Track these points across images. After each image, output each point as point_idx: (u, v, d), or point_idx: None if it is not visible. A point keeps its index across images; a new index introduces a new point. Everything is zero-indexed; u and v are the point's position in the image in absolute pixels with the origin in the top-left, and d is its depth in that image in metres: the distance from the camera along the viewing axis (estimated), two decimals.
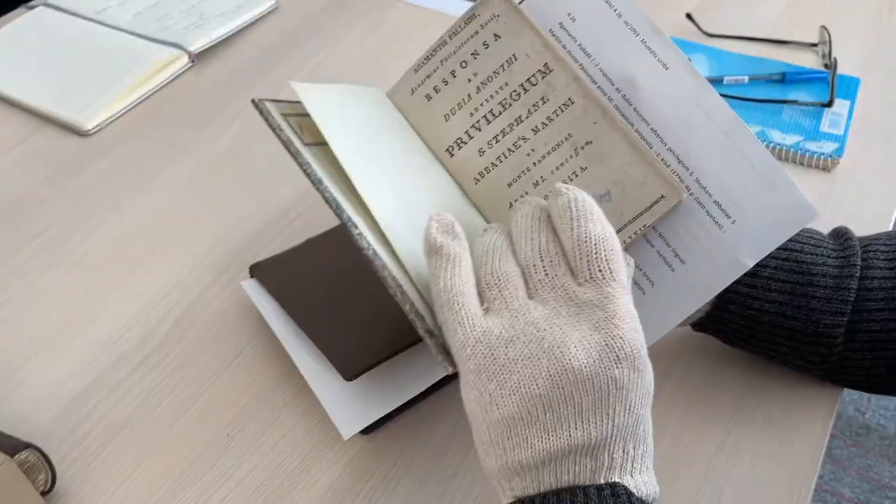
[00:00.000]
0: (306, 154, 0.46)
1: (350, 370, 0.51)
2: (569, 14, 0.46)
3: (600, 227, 0.39)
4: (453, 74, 0.50)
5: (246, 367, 0.58)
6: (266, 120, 0.47)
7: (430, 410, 0.54)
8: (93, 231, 0.70)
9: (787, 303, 0.50)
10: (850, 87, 0.79)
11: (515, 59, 0.48)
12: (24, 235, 0.69)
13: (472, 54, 0.49)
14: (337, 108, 0.47)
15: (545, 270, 0.39)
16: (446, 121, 0.50)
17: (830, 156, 0.72)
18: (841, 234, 0.53)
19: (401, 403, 0.52)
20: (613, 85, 0.47)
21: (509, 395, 0.36)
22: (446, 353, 0.41)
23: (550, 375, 0.36)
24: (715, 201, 0.47)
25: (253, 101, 0.47)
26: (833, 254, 0.51)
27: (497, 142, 0.49)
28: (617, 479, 0.36)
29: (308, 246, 0.62)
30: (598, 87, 0.47)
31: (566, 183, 0.44)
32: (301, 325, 0.55)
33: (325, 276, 0.58)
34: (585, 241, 0.38)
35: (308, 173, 0.46)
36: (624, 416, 0.36)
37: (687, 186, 0.48)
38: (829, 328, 0.50)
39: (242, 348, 0.59)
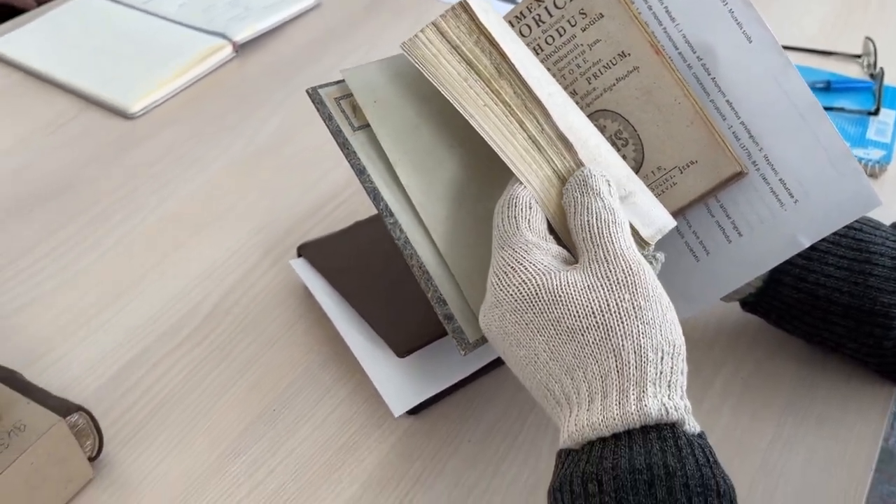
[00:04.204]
0: (354, 143, 0.46)
1: (402, 347, 0.51)
2: None
3: None
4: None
5: (293, 344, 0.58)
6: (318, 109, 0.47)
7: (481, 392, 0.54)
8: (136, 211, 0.70)
9: (843, 278, 0.50)
10: (895, 98, 0.79)
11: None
12: (69, 213, 0.69)
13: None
14: (388, 85, 0.47)
15: None
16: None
17: (878, 162, 0.72)
18: None
19: (452, 383, 0.52)
20: (694, 52, 0.47)
21: None
22: (460, 337, 0.44)
23: None
24: (781, 179, 0.47)
25: (307, 90, 0.47)
26: (892, 237, 0.51)
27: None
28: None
29: (357, 228, 0.62)
30: (679, 52, 0.48)
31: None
32: (352, 302, 0.55)
33: (376, 257, 0.58)
34: None
35: (352, 164, 0.46)
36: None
37: (754, 162, 0.48)
38: (886, 307, 0.49)
39: (289, 327, 0.59)
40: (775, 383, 0.55)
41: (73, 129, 0.79)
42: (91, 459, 0.49)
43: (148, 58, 0.86)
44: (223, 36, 0.89)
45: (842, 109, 0.77)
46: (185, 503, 0.48)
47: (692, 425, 0.37)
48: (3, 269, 0.64)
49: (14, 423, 0.45)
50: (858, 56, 0.86)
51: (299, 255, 0.61)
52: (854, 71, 0.85)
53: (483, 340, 0.45)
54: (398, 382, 0.51)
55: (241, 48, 0.89)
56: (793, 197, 0.48)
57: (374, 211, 0.63)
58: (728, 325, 0.58)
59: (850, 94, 0.80)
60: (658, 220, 0.45)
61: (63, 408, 0.47)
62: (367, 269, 0.57)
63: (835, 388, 0.55)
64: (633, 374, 0.37)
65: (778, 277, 0.52)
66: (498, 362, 0.53)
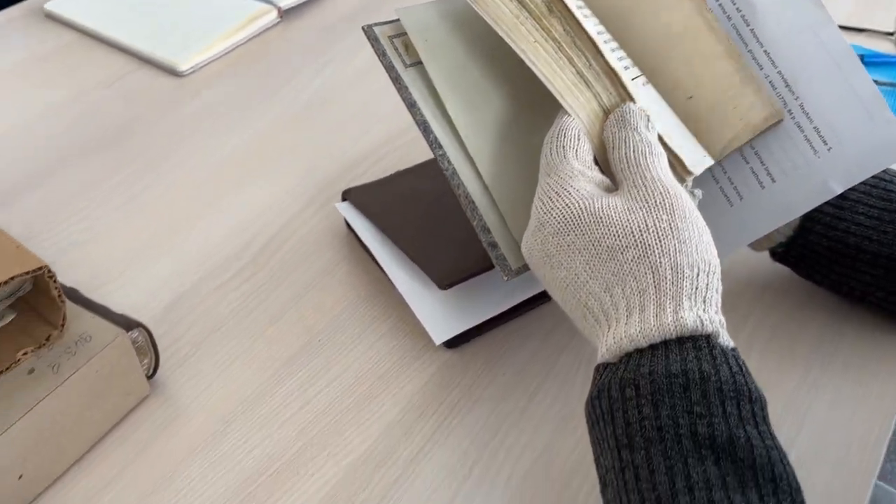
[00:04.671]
0: (405, 78, 0.48)
1: (444, 280, 0.53)
2: None
3: None
4: None
5: (336, 283, 0.60)
6: (373, 45, 0.49)
7: (516, 331, 0.56)
8: (187, 158, 0.73)
9: (873, 227, 0.51)
10: None
11: None
12: (125, 158, 0.72)
13: None
14: (440, 25, 0.49)
15: None
16: None
17: None
18: None
19: (491, 316, 0.54)
20: (734, 4, 0.49)
21: None
22: (503, 264, 0.46)
23: None
24: (815, 127, 0.49)
25: (363, 27, 0.50)
26: None
27: None
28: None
29: (399, 177, 0.64)
30: (719, 4, 0.49)
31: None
32: (395, 240, 0.57)
33: (419, 201, 0.60)
34: None
35: (404, 98, 0.48)
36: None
37: (790, 110, 0.49)
38: None
39: (333, 267, 0.61)
40: (803, 331, 0.57)
41: (127, 85, 0.82)
42: (148, 378, 0.52)
43: (197, 20, 0.89)
44: (269, 2, 0.92)
45: (874, 82, 0.78)
46: (236, 419, 0.51)
47: (726, 339, 0.39)
48: (64, 205, 0.68)
49: (81, 333, 0.48)
50: (891, 33, 0.87)
51: (344, 200, 0.63)
52: (886, 47, 0.86)
53: (525, 268, 0.47)
54: (439, 313, 0.54)
55: (285, 14, 0.92)
56: (826, 144, 0.50)
57: (414, 163, 0.66)
58: (758, 277, 0.60)
59: (881, 68, 0.81)
60: (698, 153, 0.47)
61: (125, 322, 0.49)
62: (410, 212, 0.59)
63: (861, 337, 0.56)
64: (670, 289, 0.39)
65: (809, 226, 0.53)
66: (533, 302, 0.56)
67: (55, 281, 0.46)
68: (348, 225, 0.63)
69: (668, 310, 0.38)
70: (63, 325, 0.47)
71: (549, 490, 0.47)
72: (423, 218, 0.58)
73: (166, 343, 0.56)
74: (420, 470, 0.48)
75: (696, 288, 0.39)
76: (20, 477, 0.45)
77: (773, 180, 0.51)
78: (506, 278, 0.47)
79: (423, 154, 0.71)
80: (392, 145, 0.73)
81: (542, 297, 0.56)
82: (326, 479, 0.48)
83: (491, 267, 0.54)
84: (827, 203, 0.51)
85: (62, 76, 0.84)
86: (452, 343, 0.54)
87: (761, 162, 0.51)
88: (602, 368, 0.40)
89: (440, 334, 0.53)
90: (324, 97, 0.80)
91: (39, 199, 0.69)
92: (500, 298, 0.54)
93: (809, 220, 0.53)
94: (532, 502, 0.47)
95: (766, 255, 0.57)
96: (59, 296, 0.47)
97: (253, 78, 0.84)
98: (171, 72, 0.83)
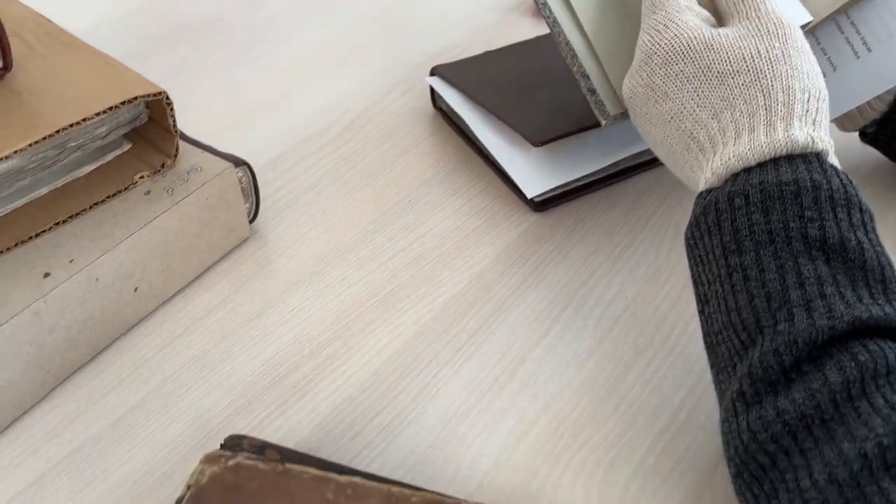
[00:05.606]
0: None
1: (538, 137, 0.54)
2: None
3: None
4: None
5: (425, 153, 0.62)
6: None
7: (605, 197, 0.57)
8: (274, 47, 0.75)
9: None
10: None
11: None
12: (210, 47, 0.75)
13: None
14: None
15: None
16: None
17: None
18: None
19: (583, 175, 0.55)
20: None
21: None
22: (601, 109, 0.47)
23: None
24: None
25: None
26: None
27: None
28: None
29: (485, 56, 0.65)
30: None
31: None
32: (486, 105, 0.58)
33: (507, 74, 0.61)
34: None
35: None
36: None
37: None
38: None
39: (421, 140, 0.63)
40: (890, 212, 0.56)
41: None
42: (249, 221, 0.54)
43: None
44: None
45: None
46: (333, 260, 0.53)
47: (835, 161, 0.39)
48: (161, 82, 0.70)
49: (192, 164, 0.50)
50: None
51: (432, 75, 0.64)
52: None
53: (622, 116, 0.48)
54: (531, 170, 0.55)
55: None
56: None
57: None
58: (844, 162, 0.60)
59: None
60: (796, 7, 0.48)
61: (233, 159, 0.51)
62: (499, 83, 0.60)
63: None
64: (781, 110, 0.39)
65: None
66: (622, 174, 0.56)
67: (171, 109, 0.48)
68: (435, 105, 0.65)
69: (779, 128, 0.39)
70: (176, 155, 0.49)
71: (640, 332, 0.48)
72: (511, 88, 0.59)
73: (264, 195, 0.58)
74: (512, 309, 0.49)
75: (807, 111, 0.40)
76: (136, 290, 0.47)
77: (869, 49, 0.51)
78: (604, 122, 0.48)
79: None
80: (472, 40, 0.74)
81: (632, 170, 0.57)
82: (422, 314, 0.49)
83: (582, 129, 0.55)
84: None
85: None
86: (542, 206, 0.55)
87: (857, 31, 0.51)
88: (706, 192, 0.41)
89: (532, 189, 0.54)
90: (402, 6, 0.82)
91: None
92: (590, 160, 0.55)
93: None
94: (622, 341, 0.48)
95: (853, 138, 0.57)
96: (174, 124, 0.49)
97: None
98: None
